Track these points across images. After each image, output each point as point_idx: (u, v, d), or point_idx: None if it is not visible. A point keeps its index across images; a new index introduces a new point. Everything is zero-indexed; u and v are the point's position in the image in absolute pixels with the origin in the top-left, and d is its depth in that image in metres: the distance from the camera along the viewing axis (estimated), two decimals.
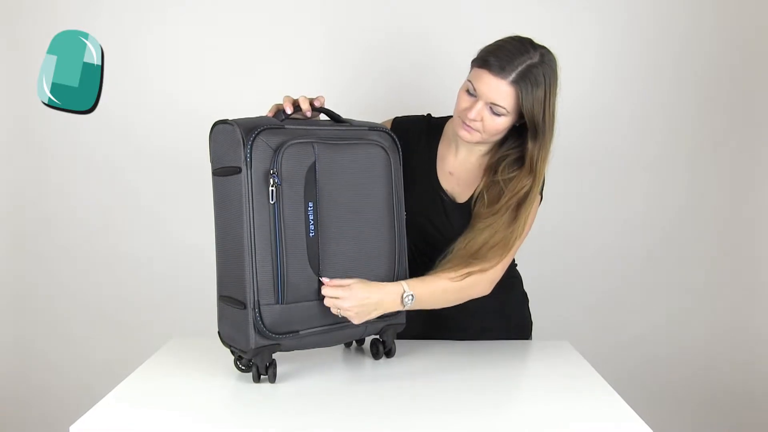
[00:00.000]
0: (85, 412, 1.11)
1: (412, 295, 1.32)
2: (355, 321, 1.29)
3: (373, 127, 1.37)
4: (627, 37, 2.22)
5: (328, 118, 1.36)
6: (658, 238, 2.30)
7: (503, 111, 1.34)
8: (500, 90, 1.32)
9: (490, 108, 1.34)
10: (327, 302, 1.26)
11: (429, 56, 2.21)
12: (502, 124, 1.37)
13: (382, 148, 1.33)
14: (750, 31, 2.20)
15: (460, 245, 1.41)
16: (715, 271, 2.30)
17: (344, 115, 1.38)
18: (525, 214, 1.40)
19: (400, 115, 1.60)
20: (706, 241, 2.29)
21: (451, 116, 1.55)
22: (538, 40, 1.39)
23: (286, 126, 1.26)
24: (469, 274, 1.38)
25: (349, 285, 1.27)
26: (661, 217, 2.29)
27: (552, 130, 1.39)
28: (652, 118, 2.25)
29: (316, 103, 1.32)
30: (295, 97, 1.32)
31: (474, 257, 1.39)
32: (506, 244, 1.40)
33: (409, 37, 2.23)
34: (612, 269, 2.31)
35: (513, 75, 1.31)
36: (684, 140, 2.26)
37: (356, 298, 1.26)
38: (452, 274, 1.38)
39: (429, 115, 1.60)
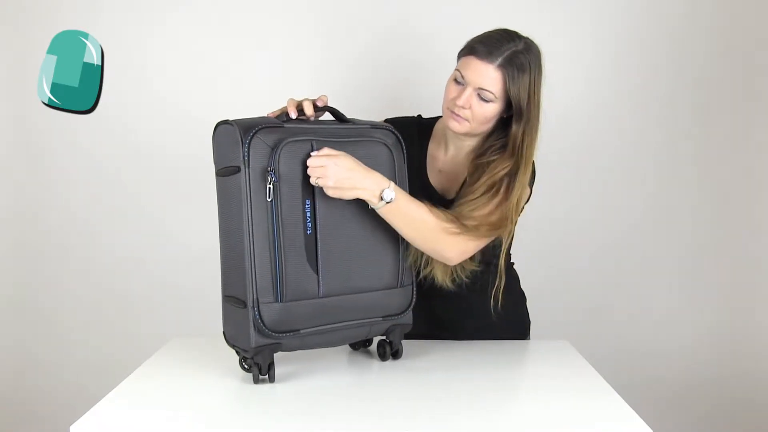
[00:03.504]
0: (85, 412, 1.11)
1: (393, 196, 1.27)
2: (330, 193, 1.23)
3: (375, 125, 1.37)
4: (623, 36, 2.22)
5: (332, 118, 1.36)
6: (657, 238, 2.30)
7: (491, 96, 1.36)
8: (488, 74, 1.35)
9: (478, 95, 1.36)
10: (310, 171, 1.22)
11: (430, 57, 2.21)
12: (490, 111, 1.38)
13: (385, 145, 1.33)
14: (747, 30, 2.21)
15: (458, 207, 1.38)
16: (716, 270, 2.30)
17: (346, 115, 1.38)
18: (507, 196, 1.38)
19: (390, 117, 1.61)
20: (707, 240, 2.29)
21: (441, 116, 1.56)
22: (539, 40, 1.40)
23: (286, 125, 1.26)
24: (455, 226, 1.33)
25: (336, 155, 1.23)
26: (661, 216, 2.29)
27: (538, 118, 1.40)
28: (651, 117, 2.25)
29: (319, 103, 1.32)
30: (298, 99, 1.33)
31: (466, 221, 1.36)
32: (495, 224, 1.37)
33: (408, 38, 2.23)
34: (612, 269, 2.31)
35: (500, 59, 1.34)
36: (684, 139, 2.26)
37: (340, 171, 1.22)
38: (440, 214, 1.34)
39: (419, 116, 1.62)
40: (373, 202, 1.27)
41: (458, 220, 1.35)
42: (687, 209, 2.28)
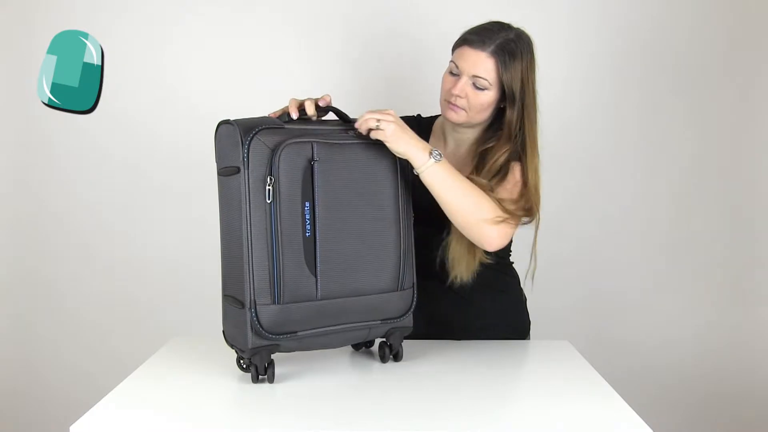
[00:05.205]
0: (85, 412, 1.11)
1: (440, 155, 1.30)
2: (385, 136, 1.26)
3: None
4: (614, 36, 2.23)
5: (335, 118, 1.36)
6: (657, 238, 2.30)
7: (486, 83, 1.39)
8: (481, 62, 1.38)
9: (473, 83, 1.40)
10: (369, 115, 1.27)
11: (431, 56, 2.21)
12: (486, 99, 1.40)
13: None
14: (728, 19, 2.22)
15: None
16: (715, 269, 2.31)
17: (350, 115, 1.37)
18: (525, 182, 1.41)
19: None
20: (706, 239, 2.29)
21: (440, 115, 1.56)
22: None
23: (286, 126, 1.25)
24: (501, 209, 1.35)
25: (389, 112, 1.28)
26: (661, 216, 2.29)
27: (534, 103, 1.43)
28: (649, 111, 2.26)
29: (322, 103, 1.31)
30: (300, 99, 1.32)
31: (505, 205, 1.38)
32: (529, 211, 1.40)
33: (409, 37, 2.23)
34: (612, 268, 2.31)
35: (492, 47, 1.38)
36: (681, 136, 2.26)
37: (398, 126, 1.27)
38: (489, 193, 1.36)
39: (419, 115, 1.63)
40: (423, 159, 1.28)
41: (500, 204, 1.36)
42: (687, 208, 2.29)
